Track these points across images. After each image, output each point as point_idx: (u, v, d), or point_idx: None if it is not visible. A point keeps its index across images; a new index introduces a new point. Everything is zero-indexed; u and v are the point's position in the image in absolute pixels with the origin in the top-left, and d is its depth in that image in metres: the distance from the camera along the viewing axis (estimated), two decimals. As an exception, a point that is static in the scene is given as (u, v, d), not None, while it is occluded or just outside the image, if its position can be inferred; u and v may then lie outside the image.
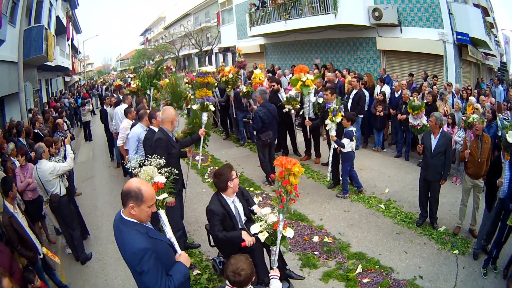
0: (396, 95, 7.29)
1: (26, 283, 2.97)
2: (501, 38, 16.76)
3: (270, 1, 12.51)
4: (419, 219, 4.54)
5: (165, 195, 2.61)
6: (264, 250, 3.23)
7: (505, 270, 3.53)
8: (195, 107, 4.75)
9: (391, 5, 9.44)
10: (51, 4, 13.71)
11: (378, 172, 6.30)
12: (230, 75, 7.59)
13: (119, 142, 5.69)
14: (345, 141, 5.13)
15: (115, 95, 9.43)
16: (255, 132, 5.97)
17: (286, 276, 3.30)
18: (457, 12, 8.54)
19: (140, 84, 7.72)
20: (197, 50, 26.56)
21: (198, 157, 4.91)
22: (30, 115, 8.86)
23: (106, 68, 56.91)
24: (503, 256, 3.65)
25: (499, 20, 15.26)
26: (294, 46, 13.61)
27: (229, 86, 7.71)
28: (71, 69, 21.79)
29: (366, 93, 7.43)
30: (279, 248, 2.75)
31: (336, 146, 5.27)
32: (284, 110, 6.21)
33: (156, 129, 3.97)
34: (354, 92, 7.01)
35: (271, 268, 2.65)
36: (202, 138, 4.55)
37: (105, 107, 8.48)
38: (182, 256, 2.20)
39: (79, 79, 32.98)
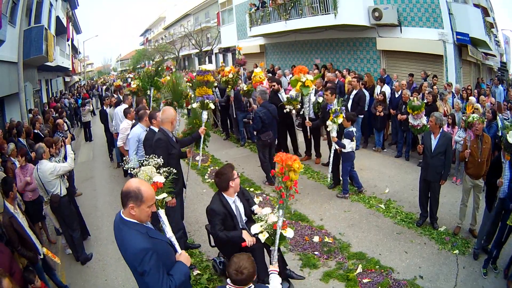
0: (396, 95, 7.30)
1: (26, 284, 2.97)
2: (501, 38, 16.74)
3: (270, 1, 12.51)
4: (419, 219, 4.55)
5: (164, 194, 2.61)
6: (265, 250, 3.23)
7: (506, 270, 3.53)
8: (195, 105, 4.73)
9: (391, 5, 9.44)
10: (51, 4, 13.71)
11: (378, 172, 6.30)
12: (230, 75, 7.59)
13: (119, 143, 5.69)
14: (345, 141, 5.14)
15: (115, 95, 9.44)
16: (255, 133, 5.97)
17: (286, 276, 3.30)
18: (457, 12, 8.54)
19: (140, 84, 7.73)
20: (197, 51, 26.52)
21: (198, 158, 4.90)
22: (30, 115, 8.85)
23: (106, 68, 56.93)
24: (503, 256, 3.65)
25: (499, 20, 15.27)
26: (294, 46, 13.60)
27: (229, 86, 7.71)
28: (71, 69, 21.80)
29: (366, 93, 7.43)
30: (279, 248, 2.74)
31: (337, 147, 5.28)
32: (285, 111, 6.20)
33: (156, 130, 3.97)
34: (354, 92, 7.00)
35: (271, 264, 2.65)
36: (202, 136, 4.52)
37: (105, 108, 8.45)
38: (183, 256, 2.21)
39: (79, 79, 33.01)
